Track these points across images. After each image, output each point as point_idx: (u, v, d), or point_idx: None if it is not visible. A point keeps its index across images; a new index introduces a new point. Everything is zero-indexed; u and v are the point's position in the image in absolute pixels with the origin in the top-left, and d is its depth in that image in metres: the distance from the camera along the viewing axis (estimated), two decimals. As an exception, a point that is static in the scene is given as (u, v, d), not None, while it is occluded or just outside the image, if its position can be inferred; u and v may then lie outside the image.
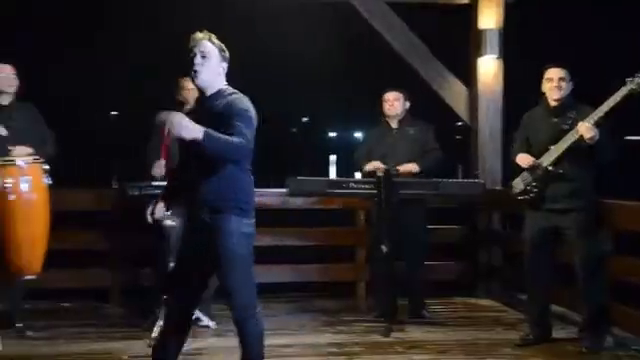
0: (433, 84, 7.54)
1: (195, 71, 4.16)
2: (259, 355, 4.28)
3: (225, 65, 4.28)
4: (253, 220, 4.29)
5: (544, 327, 5.76)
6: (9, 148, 5.86)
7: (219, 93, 4.20)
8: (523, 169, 5.60)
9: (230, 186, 4.13)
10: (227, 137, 3.94)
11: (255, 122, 4.18)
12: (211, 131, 3.89)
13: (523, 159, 5.59)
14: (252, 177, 4.30)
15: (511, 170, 5.91)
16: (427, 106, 7.34)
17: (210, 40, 4.22)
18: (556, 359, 5.45)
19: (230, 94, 4.20)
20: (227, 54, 4.28)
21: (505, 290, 7.38)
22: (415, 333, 6.13)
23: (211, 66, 4.18)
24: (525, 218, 5.71)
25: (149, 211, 4.53)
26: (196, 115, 4.14)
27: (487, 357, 5.51)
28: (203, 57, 4.17)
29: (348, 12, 7.46)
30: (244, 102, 4.17)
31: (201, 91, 4.24)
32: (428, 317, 6.55)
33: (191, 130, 3.87)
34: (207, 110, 4.16)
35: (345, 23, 8.93)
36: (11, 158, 5.75)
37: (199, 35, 4.22)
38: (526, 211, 5.68)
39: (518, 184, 5.64)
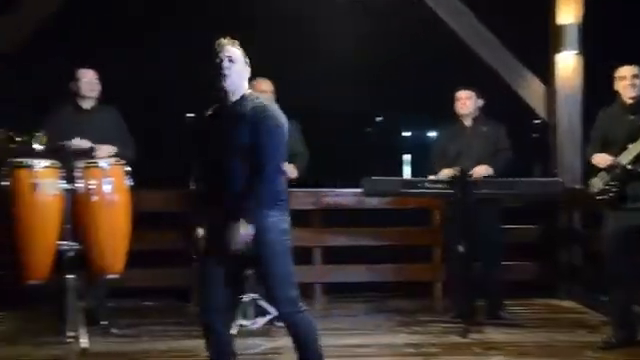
0: (509, 81, 7.44)
1: (224, 75, 4.20)
2: (316, 353, 4.29)
3: (248, 71, 4.34)
4: (288, 217, 4.32)
5: (628, 329, 5.61)
6: (93, 147, 6.03)
7: (244, 98, 4.26)
8: (600, 169, 5.50)
9: (268, 185, 4.17)
10: (258, 191, 4.10)
11: (285, 131, 4.26)
12: (249, 211, 4.08)
13: (600, 159, 5.50)
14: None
15: (590, 169, 5.80)
16: (502, 104, 7.25)
17: (235, 46, 4.29)
18: (640, 362, 5.33)
19: (256, 98, 4.28)
20: (248, 61, 4.34)
21: (587, 291, 7.23)
22: (493, 334, 6.06)
23: (238, 70, 4.24)
24: (605, 218, 5.59)
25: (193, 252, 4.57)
26: (220, 120, 4.25)
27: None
28: (230, 61, 4.22)
29: (420, 10, 7.41)
30: (274, 115, 4.23)
31: (223, 96, 4.26)
32: (506, 318, 6.46)
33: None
34: (232, 114, 4.21)
35: (418, 22, 8.88)
36: (94, 160, 5.89)
37: (224, 41, 4.28)
38: (605, 211, 5.57)
39: (596, 183, 5.53)
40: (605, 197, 5.47)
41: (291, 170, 6.20)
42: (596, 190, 5.53)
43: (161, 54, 17.52)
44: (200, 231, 4.41)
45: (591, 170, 5.66)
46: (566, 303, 7.24)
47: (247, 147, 4.12)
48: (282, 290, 4.23)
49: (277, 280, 4.23)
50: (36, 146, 5.49)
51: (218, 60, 4.21)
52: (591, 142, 5.67)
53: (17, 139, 5.43)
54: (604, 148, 5.52)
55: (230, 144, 4.17)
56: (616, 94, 5.54)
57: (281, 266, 4.23)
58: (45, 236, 5.70)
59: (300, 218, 7.00)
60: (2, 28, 6.97)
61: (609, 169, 5.42)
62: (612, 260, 5.54)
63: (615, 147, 5.44)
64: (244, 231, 4.04)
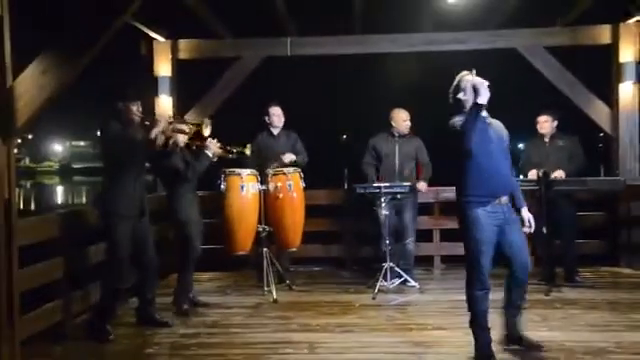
0: (582, 106, 7.18)
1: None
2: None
3: None
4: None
5: None
6: (281, 156, 6.27)
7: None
8: None
9: None
10: None
11: None
12: None
13: None
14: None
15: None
16: (577, 123, 7.02)
17: None
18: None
19: None
20: None
21: (643, 261, 6.87)
22: (570, 294, 5.84)
23: None
24: None
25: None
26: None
27: (629, 313, 5.16)
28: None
29: (513, 55, 7.27)
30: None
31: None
32: (580, 282, 6.22)
33: None
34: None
35: (511, 64, 8.66)
36: (281, 169, 6.13)
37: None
38: None
39: None
40: None
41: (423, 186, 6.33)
42: None
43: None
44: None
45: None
46: (626, 270, 6.85)
47: None
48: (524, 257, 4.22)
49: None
50: (247, 152, 5.72)
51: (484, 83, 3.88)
52: None
53: (234, 150, 5.60)
54: None
55: None
56: None
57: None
58: (248, 221, 5.94)
59: (425, 209, 7.03)
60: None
61: None
62: None
63: None
64: None
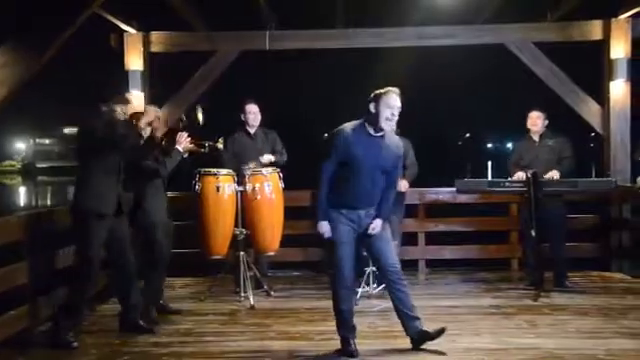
0: (572, 104, 7.27)
1: (391, 122, 4.28)
2: None
3: None
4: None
5: None
6: (260, 158, 6.26)
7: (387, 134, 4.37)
8: None
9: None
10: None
11: None
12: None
13: None
14: None
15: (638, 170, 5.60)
16: (567, 121, 7.09)
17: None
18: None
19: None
20: None
21: (634, 266, 6.97)
22: (559, 299, 5.91)
23: None
24: None
25: None
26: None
27: (620, 319, 5.23)
28: (397, 111, 4.28)
29: (501, 51, 7.35)
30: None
31: (372, 127, 4.30)
32: (569, 286, 6.29)
33: None
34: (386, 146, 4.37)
35: (499, 60, 8.74)
36: (259, 169, 6.12)
37: (395, 89, 4.31)
38: None
39: None
40: None
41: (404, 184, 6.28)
42: (639, 185, 5.36)
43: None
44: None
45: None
46: (617, 275, 6.96)
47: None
48: None
49: None
50: (220, 146, 5.70)
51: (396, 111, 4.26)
52: (638, 148, 5.46)
53: (206, 144, 5.57)
54: None
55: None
56: None
57: None
58: (224, 224, 5.93)
59: (409, 211, 7.05)
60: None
61: None
62: None
63: None
64: None
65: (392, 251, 4.50)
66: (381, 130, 4.29)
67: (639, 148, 5.37)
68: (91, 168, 4.76)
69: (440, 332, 4.45)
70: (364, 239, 4.47)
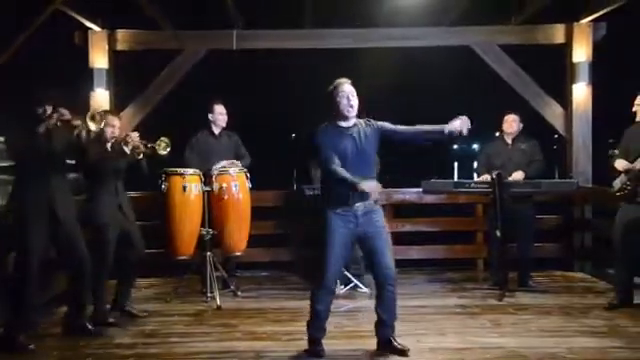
0: (536, 106, 7.40)
1: (352, 106, 4.32)
2: None
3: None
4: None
5: (628, 294, 5.55)
6: (221, 162, 6.16)
7: (357, 122, 4.39)
8: (621, 172, 5.45)
9: None
10: None
11: None
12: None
13: (620, 164, 5.46)
14: None
15: (599, 172, 5.68)
16: (531, 123, 7.20)
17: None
18: (636, 319, 5.24)
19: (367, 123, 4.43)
20: None
21: (595, 266, 7.12)
22: (523, 298, 6.00)
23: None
24: (619, 209, 5.53)
25: None
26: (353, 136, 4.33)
27: (581, 318, 5.34)
28: (353, 96, 4.33)
29: (467, 53, 7.43)
30: None
31: (340, 120, 4.34)
32: (533, 286, 6.39)
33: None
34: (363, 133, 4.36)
35: (464, 62, 8.83)
36: (226, 168, 6.09)
37: (345, 79, 4.38)
38: (622, 204, 5.50)
39: (617, 184, 5.48)
40: (622, 193, 5.42)
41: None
42: (616, 188, 5.48)
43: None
44: None
45: (612, 174, 5.60)
46: (579, 275, 7.10)
47: None
48: None
49: None
50: (161, 152, 5.37)
51: (345, 95, 4.31)
52: (619, 152, 5.56)
53: (149, 145, 5.33)
54: (626, 157, 5.44)
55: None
56: (635, 115, 5.48)
57: None
58: (191, 224, 5.91)
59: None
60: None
61: (626, 172, 5.39)
62: (622, 241, 5.47)
63: (634, 155, 5.37)
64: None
65: (389, 254, 4.44)
66: (348, 118, 4.34)
67: (616, 155, 5.49)
68: (23, 172, 4.67)
69: (403, 353, 4.42)
70: (363, 239, 4.41)
